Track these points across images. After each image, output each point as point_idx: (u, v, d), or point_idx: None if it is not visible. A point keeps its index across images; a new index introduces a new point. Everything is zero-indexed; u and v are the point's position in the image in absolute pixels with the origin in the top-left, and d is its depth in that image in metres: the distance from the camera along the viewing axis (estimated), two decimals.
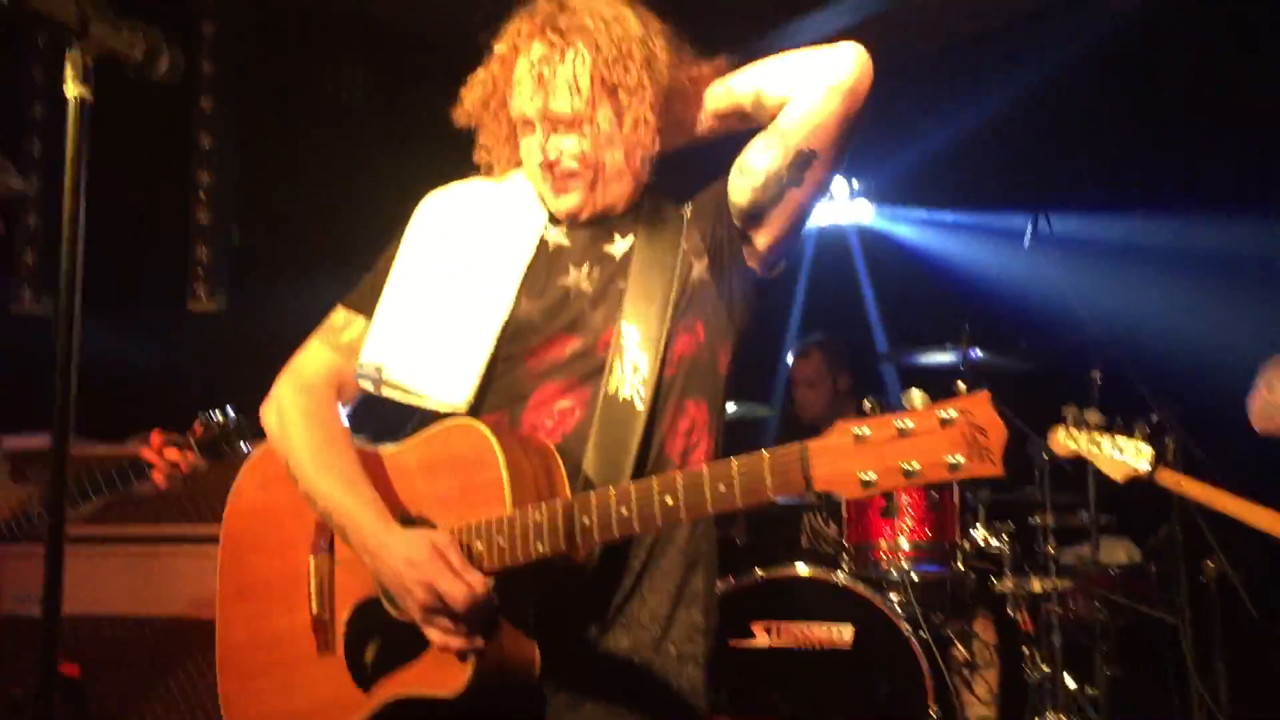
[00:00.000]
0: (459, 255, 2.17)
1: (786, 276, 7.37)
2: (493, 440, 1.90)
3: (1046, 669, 4.36)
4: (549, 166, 2.10)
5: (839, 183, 6.70)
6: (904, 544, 4.44)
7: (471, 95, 2.20)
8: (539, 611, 1.95)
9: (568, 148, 2.09)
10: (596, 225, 2.18)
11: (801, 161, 2.03)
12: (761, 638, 4.16)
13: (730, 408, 4.72)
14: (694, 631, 2.07)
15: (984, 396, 1.57)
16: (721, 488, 1.73)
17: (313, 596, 2.09)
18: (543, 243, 2.17)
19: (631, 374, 2.03)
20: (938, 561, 4.48)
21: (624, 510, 1.80)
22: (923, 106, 5.99)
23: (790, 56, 2.08)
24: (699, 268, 2.14)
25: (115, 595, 3.87)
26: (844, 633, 4.11)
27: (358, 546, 1.97)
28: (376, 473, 2.05)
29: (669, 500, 1.77)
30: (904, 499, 4.46)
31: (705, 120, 2.17)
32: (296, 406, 2.13)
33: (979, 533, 4.53)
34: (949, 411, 1.56)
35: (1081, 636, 4.53)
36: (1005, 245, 5.68)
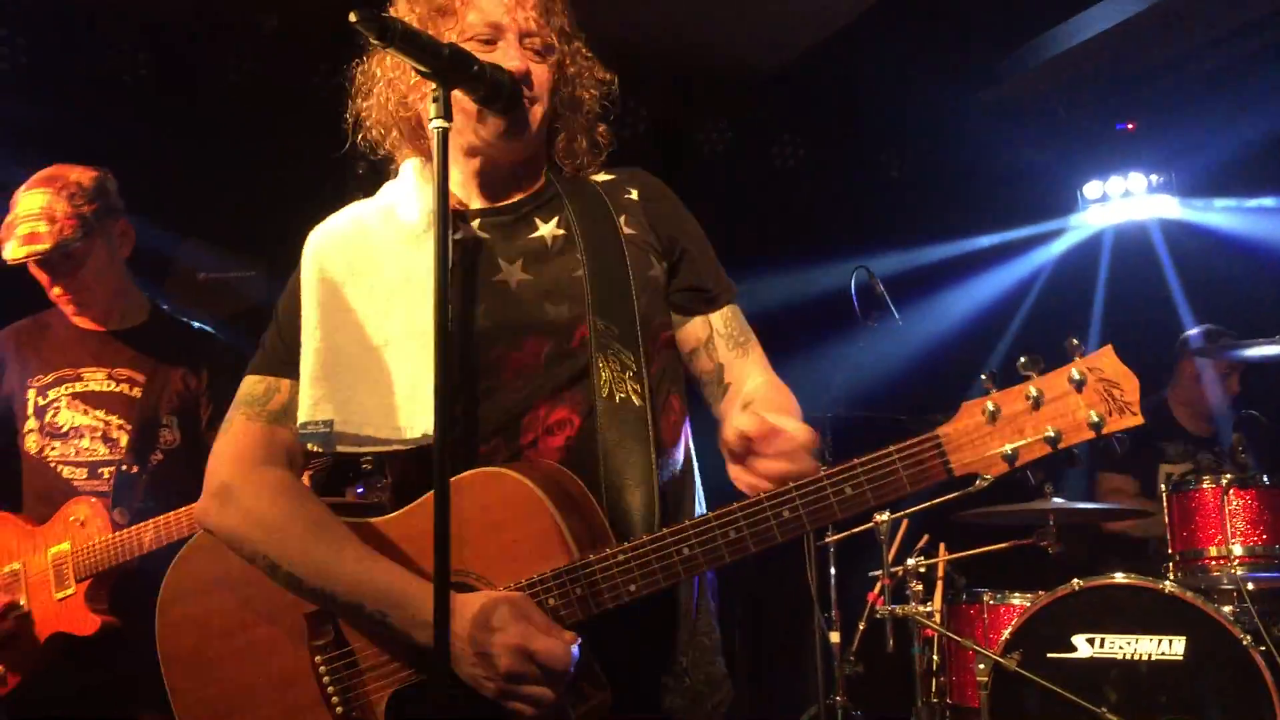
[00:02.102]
0: (372, 283, 1.97)
1: (1084, 277, 7.14)
2: (531, 485, 1.75)
3: None
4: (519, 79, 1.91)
5: (1137, 179, 6.45)
6: (1237, 549, 4.17)
7: (412, 8, 1.98)
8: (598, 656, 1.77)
9: (537, 72, 1.96)
10: (512, 213, 2.03)
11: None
12: (1083, 649, 3.99)
13: None
14: (717, 647, 2.00)
15: (1108, 350, 1.56)
16: (849, 490, 1.63)
17: (334, 698, 1.85)
18: (458, 243, 1.96)
19: (620, 371, 1.89)
20: (1276, 568, 4.18)
21: (732, 533, 1.67)
22: (1229, 95, 5.65)
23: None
24: (657, 268, 2.01)
25: None
26: (1175, 645, 3.89)
27: (406, 625, 1.76)
28: (384, 547, 1.84)
29: (786, 513, 1.65)
30: (1234, 501, 4.19)
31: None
32: (260, 496, 1.89)
33: None
34: (1078, 372, 1.54)
35: None
36: None
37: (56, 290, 3.33)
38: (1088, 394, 1.54)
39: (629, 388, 1.89)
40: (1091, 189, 6.61)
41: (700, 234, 2.09)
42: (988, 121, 6.23)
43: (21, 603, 3.21)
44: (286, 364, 1.96)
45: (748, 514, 1.67)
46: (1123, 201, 6.50)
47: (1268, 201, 5.97)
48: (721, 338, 2.02)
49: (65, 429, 3.32)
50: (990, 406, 1.57)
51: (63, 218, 3.21)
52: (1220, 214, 6.23)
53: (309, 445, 1.91)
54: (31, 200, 3.23)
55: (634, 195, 2.06)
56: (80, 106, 5.15)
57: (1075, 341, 1.57)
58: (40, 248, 3.19)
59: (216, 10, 5.40)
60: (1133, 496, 5.38)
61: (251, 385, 1.99)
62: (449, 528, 1.59)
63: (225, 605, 1.93)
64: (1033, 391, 1.56)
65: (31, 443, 3.33)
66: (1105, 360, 1.55)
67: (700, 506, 2.03)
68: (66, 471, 3.30)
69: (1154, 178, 6.41)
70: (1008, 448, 1.56)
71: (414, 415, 1.88)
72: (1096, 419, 1.52)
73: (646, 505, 1.83)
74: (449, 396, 1.65)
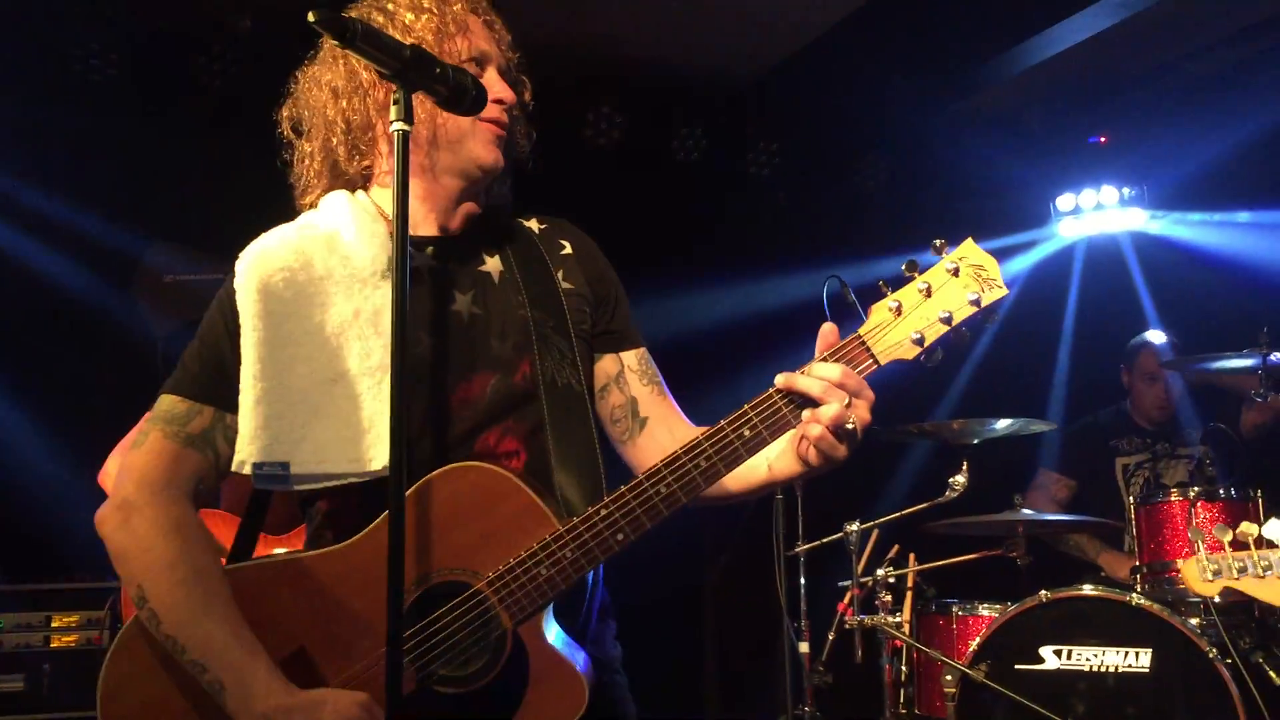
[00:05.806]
0: (322, 318, 1.94)
1: (1056, 289, 7.17)
2: (497, 469, 1.85)
3: None
4: (503, 107, 2.03)
5: (1109, 192, 6.50)
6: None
7: (424, 21, 2.01)
8: None
9: (511, 100, 2.08)
10: (462, 243, 2.07)
11: None
12: (1051, 660, 4.00)
13: (1005, 423, 4.59)
14: (612, 640, 2.09)
15: (968, 242, 1.86)
16: (797, 400, 1.82)
17: None
18: (415, 271, 1.97)
19: (559, 360, 2.00)
20: None
21: (702, 461, 1.81)
22: (1203, 108, 5.69)
23: None
24: (589, 322, 2.10)
25: None
26: (1142, 657, 3.90)
27: (235, 709, 1.74)
28: (367, 561, 1.82)
29: (747, 432, 1.82)
30: (1201, 514, 4.21)
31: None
32: (156, 525, 1.85)
33: None
34: (952, 262, 1.85)
35: None
36: None
37: None
38: (963, 278, 1.85)
39: (568, 375, 2.00)
40: (1064, 201, 6.64)
41: (622, 289, 2.19)
42: (961, 132, 6.26)
43: None
44: (210, 390, 1.94)
45: (714, 441, 1.82)
46: (1095, 214, 6.54)
47: (1239, 215, 6.02)
48: (634, 373, 2.12)
49: None
50: (892, 303, 1.86)
51: None
52: (1191, 227, 6.29)
53: (256, 483, 1.90)
54: None
55: (568, 249, 2.15)
56: (49, 106, 5.09)
57: (940, 241, 1.85)
58: None
59: (189, 10, 5.35)
60: (1057, 499, 5.42)
61: (172, 404, 1.94)
62: (403, 552, 1.62)
63: (177, 683, 1.85)
64: (922, 284, 1.86)
65: None
66: (969, 250, 1.86)
67: None
68: None
69: (1126, 191, 6.45)
70: (914, 333, 1.84)
71: (373, 447, 1.89)
72: (973, 296, 1.83)
73: (593, 488, 1.92)
74: (404, 425, 1.66)
